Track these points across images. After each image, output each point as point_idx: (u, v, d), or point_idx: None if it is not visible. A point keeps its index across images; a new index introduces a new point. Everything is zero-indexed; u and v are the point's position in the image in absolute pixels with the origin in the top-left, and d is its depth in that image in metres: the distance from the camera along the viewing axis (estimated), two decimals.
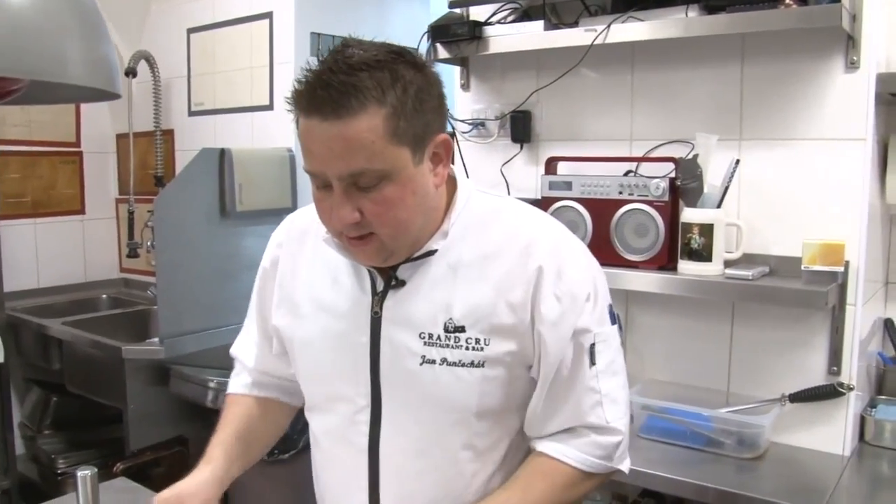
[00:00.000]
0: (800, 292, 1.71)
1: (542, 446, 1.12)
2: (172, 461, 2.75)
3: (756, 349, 1.92)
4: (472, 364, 1.07)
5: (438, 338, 1.07)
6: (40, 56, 0.73)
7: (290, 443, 2.56)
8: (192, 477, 1.19)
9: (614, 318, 1.14)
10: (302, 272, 1.20)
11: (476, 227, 1.11)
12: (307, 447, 2.67)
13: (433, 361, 1.08)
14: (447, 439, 1.11)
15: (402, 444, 1.12)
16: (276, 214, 2.89)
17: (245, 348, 1.36)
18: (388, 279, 1.11)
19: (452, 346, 1.07)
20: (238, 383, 1.36)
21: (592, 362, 1.09)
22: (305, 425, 2.63)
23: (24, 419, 3.28)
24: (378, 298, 1.11)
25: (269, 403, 1.35)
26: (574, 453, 1.11)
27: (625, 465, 1.16)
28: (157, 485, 1.50)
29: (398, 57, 0.99)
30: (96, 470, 1.25)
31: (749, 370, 1.93)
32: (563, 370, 1.09)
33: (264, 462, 2.51)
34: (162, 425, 2.71)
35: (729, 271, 1.78)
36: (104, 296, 3.54)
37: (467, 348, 1.07)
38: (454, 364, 1.07)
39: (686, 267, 1.83)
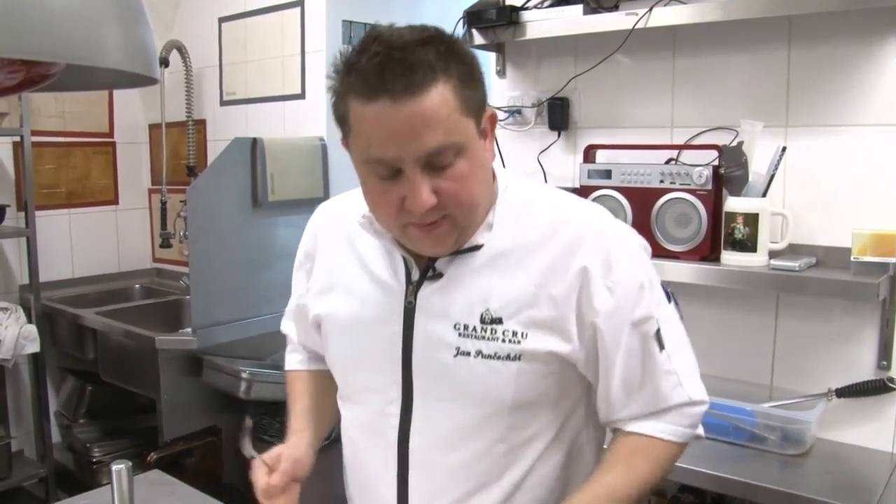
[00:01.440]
0: (849, 284, 1.65)
1: (633, 426, 1.10)
2: (205, 451, 2.76)
3: (801, 342, 1.86)
4: (508, 357, 1.04)
5: (474, 329, 1.04)
6: (77, 40, 0.70)
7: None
8: (287, 442, 1.23)
9: (669, 296, 1.12)
10: (336, 260, 1.18)
11: (515, 216, 1.07)
12: (337, 439, 2.67)
13: (468, 353, 1.05)
14: (480, 434, 1.08)
15: (433, 438, 1.09)
16: (308, 204, 2.88)
17: (292, 328, 1.38)
18: (424, 269, 1.08)
19: (488, 339, 1.04)
20: (293, 360, 1.38)
21: (661, 346, 1.07)
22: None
23: (59, 408, 3.31)
24: (413, 288, 1.08)
25: (328, 377, 1.31)
26: (669, 427, 1.10)
27: (701, 429, 1.15)
28: (190, 475, 1.50)
29: (443, 33, 0.98)
30: (130, 464, 1.24)
31: (794, 364, 1.87)
32: (632, 360, 1.06)
33: None
34: (195, 415, 2.71)
35: (774, 262, 1.73)
36: (137, 286, 3.55)
37: (504, 341, 1.04)
38: (490, 357, 1.04)
39: (730, 258, 1.78)
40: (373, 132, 0.94)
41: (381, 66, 0.91)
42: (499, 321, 1.04)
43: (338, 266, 1.17)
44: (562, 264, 1.03)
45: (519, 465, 1.10)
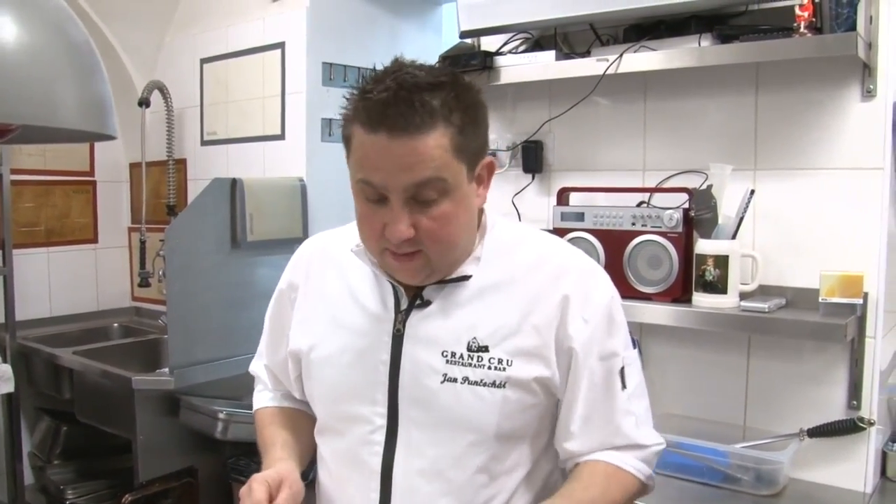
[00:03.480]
0: (818, 325, 1.68)
1: (605, 456, 1.13)
2: (181, 492, 2.72)
3: (773, 383, 1.88)
4: (493, 384, 1.07)
5: (461, 356, 1.08)
6: (29, 100, 0.72)
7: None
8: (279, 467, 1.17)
9: (634, 343, 1.17)
10: (322, 292, 1.21)
11: (503, 252, 1.13)
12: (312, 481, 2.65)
13: (454, 380, 1.08)
14: (463, 461, 1.10)
15: (417, 465, 1.11)
16: (287, 244, 2.90)
17: (262, 370, 1.38)
18: (413, 298, 1.11)
19: (475, 366, 1.07)
20: (265, 398, 1.37)
21: (624, 385, 1.12)
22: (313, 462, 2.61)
23: (33, 449, 3.26)
24: (402, 316, 1.11)
25: (301, 415, 1.33)
26: (634, 462, 1.13)
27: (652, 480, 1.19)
28: None
29: (457, 79, 1.04)
30: None
31: (766, 404, 1.89)
32: (595, 392, 1.10)
33: None
34: (171, 456, 2.68)
35: (745, 304, 1.76)
36: (116, 325, 3.53)
37: (490, 368, 1.07)
38: (476, 383, 1.07)
39: (701, 299, 1.81)
40: (367, 158, 1.00)
41: (386, 103, 0.97)
42: (485, 349, 1.07)
43: (327, 297, 1.20)
44: (545, 294, 1.08)
45: (501, 496, 1.12)
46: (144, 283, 3.35)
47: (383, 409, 1.12)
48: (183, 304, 2.63)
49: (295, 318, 1.24)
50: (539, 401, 1.10)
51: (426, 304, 1.11)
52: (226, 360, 2.63)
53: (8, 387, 2.87)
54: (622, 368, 1.12)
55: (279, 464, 1.16)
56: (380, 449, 1.12)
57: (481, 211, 1.15)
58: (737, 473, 1.75)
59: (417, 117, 0.96)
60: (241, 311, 2.68)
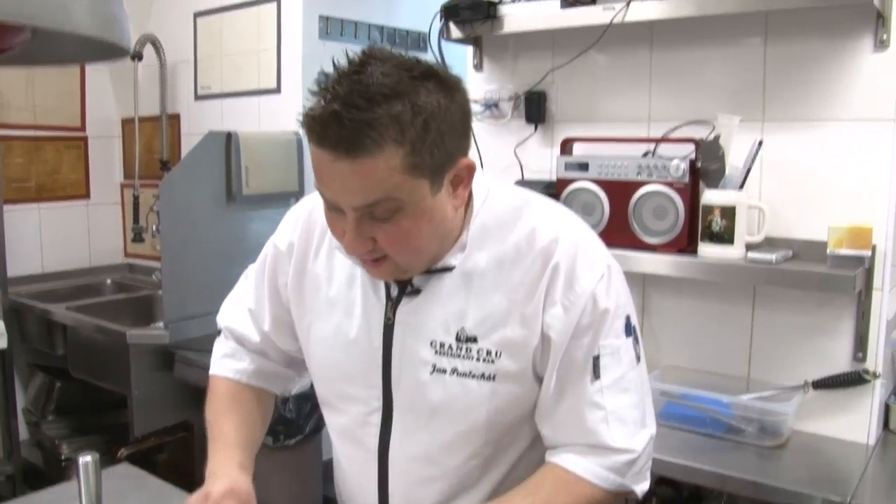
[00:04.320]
0: (826, 276, 1.66)
1: (560, 458, 1.05)
2: (177, 447, 2.71)
3: (778, 335, 1.87)
4: (482, 377, 1.03)
5: (450, 347, 1.04)
6: (42, 2, 0.67)
7: (296, 428, 2.51)
8: (227, 476, 1.10)
9: (630, 331, 1.06)
10: (319, 266, 1.15)
11: (494, 230, 1.04)
12: (313, 432, 2.64)
13: (444, 371, 1.04)
14: (455, 449, 1.08)
15: (411, 450, 1.09)
16: (283, 198, 2.87)
17: (243, 319, 1.26)
18: (402, 286, 1.07)
19: (464, 357, 1.03)
20: (234, 367, 1.27)
21: (596, 376, 1.03)
22: (311, 411, 2.60)
23: (27, 405, 3.25)
24: (392, 305, 1.07)
25: (264, 395, 1.29)
26: (592, 467, 1.03)
27: (640, 488, 1.07)
28: (162, 471, 1.46)
29: (422, 81, 0.90)
30: (98, 455, 1.21)
31: (770, 356, 1.88)
32: (563, 381, 1.03)
33: (269, 448, 2.47)
34: (166, 411, 2.67)
35: (751, 255, 1.73)
36: (109, 281, 3.50)
37: (478, 360, 1.03)
38: (465, 375, 1.03)
39: (707, 250, 1.78)
40: (316, 170, 0.93)
41: (326, 123, 0.87)
42: (474, 340, 1.03)
43: (324, 273, 1.14)
44: (533, 279, 1.02)
45: (497, 471, 1.10)
46: (138, 238, 3.31)
47: (378, 393, 1.09)
48: (177, 259, 2.60)
49: (291, 282, 1.18)
50: (529, 389, 1.05)
51: (415, 292, 1.06)
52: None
53: (0, 343, 2.84)
54: (596, 358, 1.02)
55: (243, 477, 1.10)
56: (376, 431, 1.11)
57: (469, 193, 1.05)
58: (740, 425, 1.74)
59: (361, 139, 0.86)
60: (236, 265, 2.59)
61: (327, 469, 2.89)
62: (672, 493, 1.89)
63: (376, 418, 1.10)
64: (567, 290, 1.01)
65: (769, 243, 1.81)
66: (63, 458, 2.98)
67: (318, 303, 1.15)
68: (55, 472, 2.97)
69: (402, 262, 0.99)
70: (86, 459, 1.19)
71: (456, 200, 1.00)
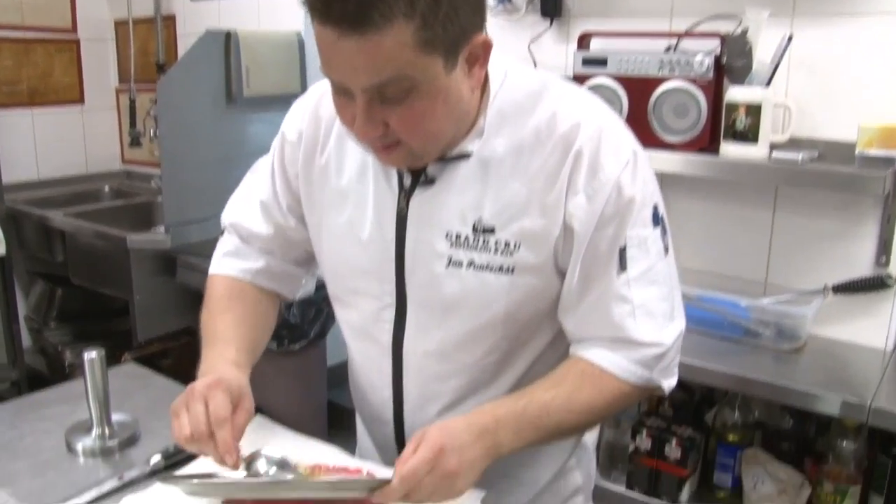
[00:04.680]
0: (853, 177, 1.59)
1: (586, 352, 1.01)
2: (180, 352, 2.70)
3: (798, 239, 1.81)
4: (500, 269, 0.97)
5: (466, 239, 0.97)
6: None
7: (300, 333, 2.49)
8: (214, 372, 1.01)
9: (658, 220, 0.99)
10: (329, 155, 1.08)
11: (513, 115, 0.97)
12: (318, 337, 2.62)
13: (459, 264, 0.98)
14: (471, 345, 1.03)
15: (426, 346, 1.04)
16: (284, 100, 2.72)
17: (253, 213, 1.18)
18: (416, 175, 1.00)
19: (481, 249, 0.97)
20: (237, 265, 1.18)
21: (623, 268, 0.97)
22: (316, 315, 2.58)
23: (29, 312, 3.22)
24: (405, 195, 1.00)
25: (269, 297, 1.21)
26: (620, 362, 0.99)
27: (667, 383, 1.03)
28: (165, 377, 1.43)
29: None
30: (103, 351, 1.17)
31: (790, 260, 1.83)
32: (590, 272, 0.97)
33: (273, 353, 2.46)
34: (169, 317, 2.64)
35: (776, 154, 1.66)
36: (106, 188, 3.42)
37: (496, 252, 0.97)
38: (482, 268, 0.97)
39: (729, 149, 1.71)
40: (322, 51, 0.85)
41: None
42: (491, 231, 0.97)
43: (331, 163, 1.07)
44: (555, 162, 0.94)
45: (515, 368, 1.06)
46: (135, 142, 3.23)
47: (391, 288, 1.04)
48: (177, 162, 2.53)
49: (302, 177, 1.11)
50: (549, 283, 0.99)
51: (430, 181, 0.99)
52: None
53: None
54: (623, 249, 0.96)
55: (235, 372, 1.01)
56: (390, 327, 1.06)
57: (485, 76, 0.97)
58: (758, 328, 1.71)
59: (368, 12, 0.78)
60: (236, 168, 2.52)
61: (332, 374, 2.90)
62: (684, 396, 1.87)
63: (389, 314, 1.05)
64: (590, 178, 0.94)
65: (794, 143, 1.74)
66: (67, 363, 2.97)
67: (327, 196, 1.08)
68: (59, 377, 2.96)
69: (416, 147, 0.92)
70: (91, 355, 1.15)
71: (472, 80, 0.92)
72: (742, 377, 1.60)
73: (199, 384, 0.95)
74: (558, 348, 1.06)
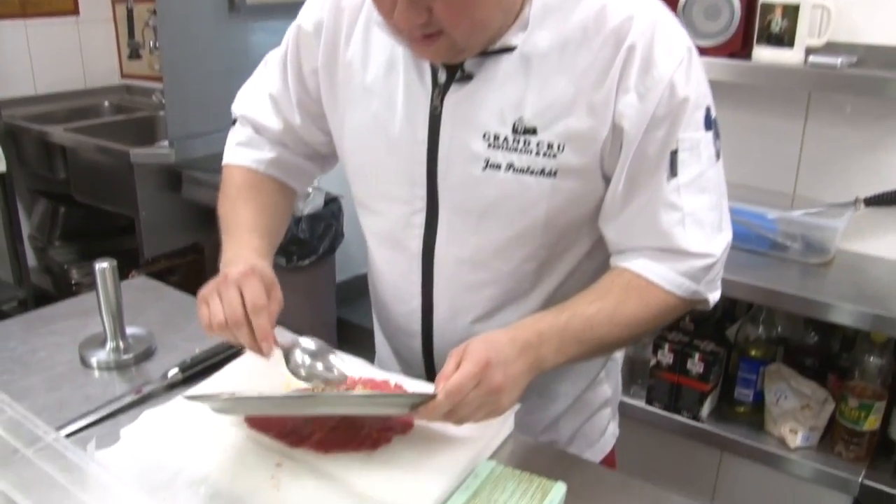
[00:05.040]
0: (893, 83, 1.50)
1: (630, 263, 0.96)
2: (188, 269, 2.66)
3: (830, 149, 1.74)
4: (542, 172, 0.91)
5: (505, 140, 0.91)
6: None
7: (309, 249, 2.45)
8: (244, 260, 0.97)
9: (710, 123, 0.93)
10: (353, 49, 1.00)
11: (558, 7, 0.89)
12: (327, 253, 2.58)
13: (498, 166, 0.92)
14: (508, 252, 0.97)
15: (459, 254, 0.99)
16: (289, 8, 2.61)
17: (263, 106, 1.12)
18: (452, 71, 0.92)
19: (521, 151, 0.91)
20: (251, 155, 1.13)
21: (673, 173, 0.91)
22: (325, 231, 2.53)
23: (33, 231, 3.18)
24: (439, 92, 0.93)
25: (284, 187, 1.16)
26: (667, 274, 0.94)
27: (713, 296, 0.99)
28: None
29: None
30: (115, 262, 1.12)
31: (820, 172, 1.76)
32: (639, 176, 0.91)
33: (282, 269, 2.42)
34: (176, 233, 2.60)
35: (813, 58, 1.57)
36: (106, 103, 3.32)
37: (538, 154, 0.90)
38: (522, 171, 0.91)
39: (763, 53, 1.62)
40: None
41: None
42: (533, 131, 0.90)
43: (355, 56, 0.99)
44: (604, 59, 0.87)
45: (552, 278, 1.01)
46: (134, 54, 3.12)
47: (422, 192, 0.97)
48: (179, 74, 2.44)
49: (322, 72, 1.03)
50: (594, 188, 0.94)
51: (466, 77, 0.92)
52: (227, 131, 2.46)
53: None
54: (674, 153, 0.90)
55: (263, 261, 0.98)
56: (420, 233, 1.00)
57: None
58: (785, 241, 1.65)
59: None
60: (240, 79, 2.42)
61: (341, 291, 2.87)
62: (705, 310, 1.83)
63: (420, 219, 0.99)
64: (643, 76, 0.87)
65: (831, 48, 1.65)
66: (73, 282, 2.95)
67: (351, 92, 1.01)
68: (66, 296, 2.89)
69: (460, 37, 0.85)
70: (102, 265, 1.10)
71: None
72: (769, 290, 1.56)
73: (231, 271, 0.91)
74: (596, 258, 1.02)
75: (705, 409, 1.75)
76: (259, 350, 0.88)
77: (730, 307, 1.85)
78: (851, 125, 1.70)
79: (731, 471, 1.77)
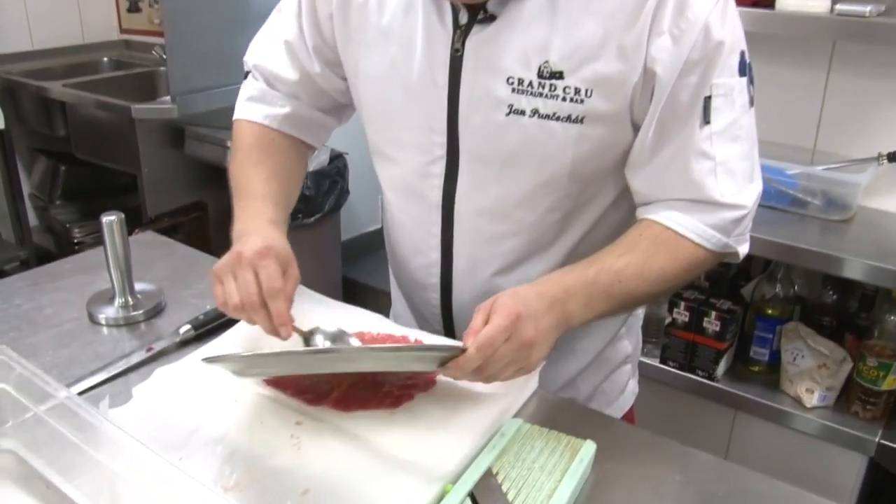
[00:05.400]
0: None
1: (658, 215, 0.92)
2: (192, 227, 2.63)
3: (853, 102, 1.69)
4: (568, 119, 0.86)
5: (530, 84, 0.86)
6: None
7: (315, 206, 2.41)
8: (258, 233, 0.92)
9: (745, 69, 0.88)
10: None
11: None
12: (332, 210, 2.54)
13: (522, 112, 0.87)
14: (532, 202, 0.94)
15: (480, 204, 0.95)
16: None
17: (277, 55, 1.07)
18: (474, 11, 0.87)
19: (547, 96, 0.86)
20: (263, 111, 1.08)
21: (706, 121, 0.87)
22: (330, 188, 2.49)
23: (33, 190, 3.13)
24: (460, 34, 0.88)
25: (298, 146, 1.12)
26: (696, 226, 0.90)
27: (742, 249, 0.95)
28: None
29: None
30: (123, 215, 1.08)
31: (842, 126, 1.72)
32: (670, 122, 0.87)
33: (287, 227, 2.39)
34: (179, 190, 2.56)
35: (840, 6, 1.52)
36: (105, 59, 3.25)
37: (564, 99, 0.86)
38: (547, 117, 0.87)
39: (787, 1, 1.57)
40: None
41: None
42: (559, 76, 0.85)
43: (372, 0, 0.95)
44: (634, 6, 0.82)
45: (574, 231, 0.97)
46: (134, 7, 3.04)
47: (442, 139, 0.93)
48: (180, 26, 2.37)
49: (337, 15, 0.98)
50: (622, 136, 0.90)
51: (489, 18, 0.87)
52: (230, 86, 2.40)
53: None
54: (707, 99, 0.86)
55: (278, 235, 0.93)
56: (439, 182, 0.96)
57: None
58: (806, 197, 1.62)
59: None
60: (243, 33, 2.38)
61: (346, 249, 2.84)
62: (720, 269, 1.81)
63: (439, 168, 0.95)
64: (677, 17, 0.82)
65: None
66: (75, 241, 2.91)
67: (367, 35, 0.96)
68: (69, 255, 2.90)
69: None
70: (110, 218, 1.07)
71: None
72: (788, 246, 1.52)
73: (246, 251, 0.86)
74: (621, 209, 0.98)
75: (720, 369, 1.73)
76: (277, 334, 0.84)
77: (745, 265, 1.82)
78: (876, 77, 1.65)
79: (744, 431, 1.76)
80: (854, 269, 1.48)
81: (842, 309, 1.71)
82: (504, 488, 0.73)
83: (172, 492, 0.66)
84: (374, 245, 3.06)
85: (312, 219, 2.42)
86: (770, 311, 1.72)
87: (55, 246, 3.05)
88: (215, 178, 2.50)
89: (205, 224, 2.61)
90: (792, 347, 1.67)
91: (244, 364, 0.86)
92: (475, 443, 0.79)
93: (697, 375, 1.74)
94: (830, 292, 1.72)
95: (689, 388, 1.76)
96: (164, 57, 2.94)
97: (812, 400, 1.64)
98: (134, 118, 2.39)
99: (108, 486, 0.73)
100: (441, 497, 0.72)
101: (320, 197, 2.42)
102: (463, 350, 0.76)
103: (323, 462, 0.77)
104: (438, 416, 0.83)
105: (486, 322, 0.77)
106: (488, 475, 0.75)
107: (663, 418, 1.89)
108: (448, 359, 0.76)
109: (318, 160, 2.41)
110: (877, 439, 1.58)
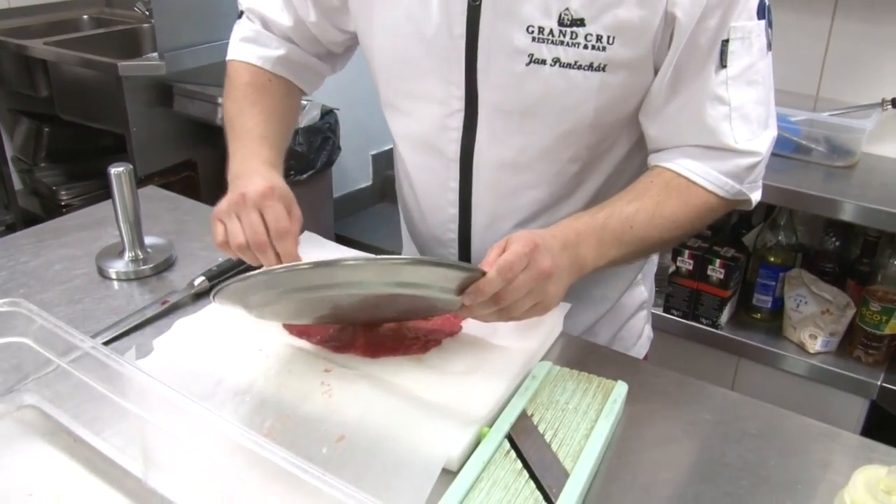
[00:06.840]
0: None
1: (671, 163, 0.90)
2: (182, 187, 2.58)
3: (857, 47, 1.68)
4: (590, 67, 0.84)
5: (551, 33, 0.84)
6: None
7: (307, 163, 2.38)
8: (257, 174, 0.90)
9: (763, 12, 0.87)
10: None
11: None
12: (324, 167, 2.51)
13: (543, 62, 0.85)
14: (554, 153, 0.92)
15: (500, 156, 0.94)
16: None
17: (271, 2, 1.04)
18: None
19: (568, 44, 0.84)
20: (257, 52, 1.05)
21: (723, 64, 0.85)
22: (322, 144, 2.45)
23: (16, 153, 3.06)
24: None
25: (291, 88, 1.09)
26: (709, 173, 0.89)
27: (755, 196, 0.94)
28: None
29: None
30: (131, 166, 1.06)
31: (846, 71, 1.71)
32: (686, 65, 0.85)
33: None
34: (168, 150, 2.51)
35: None
36: (85, 16, 3.16)
37: (586, 47, 0.84)
38: (568, 66, 0.85)
39: None
40: None
41: None
42: (580, 23, 0.83)
43: None
44: None
45: (593, 181, 0.96)
46: None
47: (460, 91, 0.91)
48: None
49: None
50: (645, 82, 0.88)
51: None
52: (219, 42, 2.36)
53: None
54: (725, 42, 0.84)
55: (278, 176, 0.92)
56: (457, 136, 0.94)
57: None
58: (809, 143, 1.61)
59: None
60: None
61: (338, 206, 2.81)
62: (722, 216, 1.80)
63: (457, 121, 0.93)
64: None
65: None
66: (63, 204, 2.85)
67: None
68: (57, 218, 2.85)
69: None
70: (118, 169, 1.05)
71: None
72: (792, 191, 1.52)
73: (250, 191, 0.84)
74: (634, 160, 0.97)
75: (724, 316, 1.74)
76: None
77: (746, 213, 1.82)
78: (882, 21, 1.64)
79: (748, 377, 1.77)
80: (858, 214, 1.48)
81: (844, 255, 1.72)
82: (540, 430, 0.73)
83: (209, 439, 0.65)
84: (366, 202, 3.03)
85: (305, 175, 2.39)
86: (773, 259, 1.72)
87: (42, 209, 2.99)
88: (205, 136, 2.46)
89: (195, 182, 2.57)
90: (795, 294, 1.68)
91: (257, 284, 0.75)
92: (507, 386, 0.79)
93: (701, 323, 1.75)
94: (833, 239, 1.72)
95: (694, 336, 1.77)
96: (147, 13, 2.88)
97: (815, 345, 1.66)
98: (121, 76, 2.33)
99: (139, 437, 0.72)
100: (478, 440, 0.72)
101: (312, 153, 2.38)
102: (483, 273, 0.74)
103: (356, 408, 0.76)
104: (468, 360, 0.82)
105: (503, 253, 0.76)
106: (524, 417, 0.75)
107: (668, 366, 1.90)
108: (467, 283, 0.74)
109: (310, 115, 2.37)
110: (879, 382, 1.60)
